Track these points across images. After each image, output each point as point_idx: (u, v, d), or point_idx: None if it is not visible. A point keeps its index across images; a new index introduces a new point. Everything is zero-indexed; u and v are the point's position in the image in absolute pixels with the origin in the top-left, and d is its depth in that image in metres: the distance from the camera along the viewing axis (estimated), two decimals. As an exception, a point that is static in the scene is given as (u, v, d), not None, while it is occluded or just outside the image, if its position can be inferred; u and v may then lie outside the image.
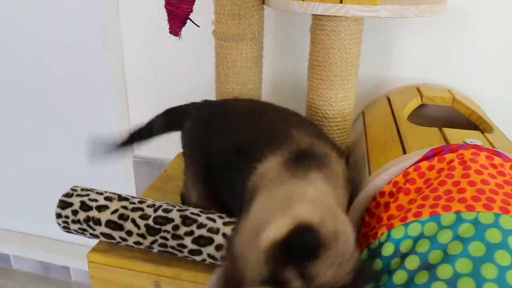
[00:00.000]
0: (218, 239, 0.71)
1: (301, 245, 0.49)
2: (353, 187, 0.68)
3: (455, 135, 0.66)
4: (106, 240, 0.78)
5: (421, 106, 0.91)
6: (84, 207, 0.77)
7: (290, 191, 0.58)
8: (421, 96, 0.87)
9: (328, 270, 0.49)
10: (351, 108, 0.82)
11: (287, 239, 0.50)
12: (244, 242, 0.57)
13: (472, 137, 0.64)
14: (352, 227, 0.55)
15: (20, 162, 1.59)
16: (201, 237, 0.72)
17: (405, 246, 0.54)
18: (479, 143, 0.62)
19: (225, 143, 0.72)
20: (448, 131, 0.68)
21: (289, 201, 0.56)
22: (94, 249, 0.79)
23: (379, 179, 0.64)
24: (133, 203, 0.77)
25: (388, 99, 0.90)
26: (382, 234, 0.56)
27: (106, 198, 0.78)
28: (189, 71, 1.17)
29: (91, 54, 1.29)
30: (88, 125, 1.43)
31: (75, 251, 1.64)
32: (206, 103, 0.85)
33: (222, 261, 0.67)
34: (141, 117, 1.20)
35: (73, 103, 1.41)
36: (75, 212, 0.77)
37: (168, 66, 1.19)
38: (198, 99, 0.87)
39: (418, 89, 0.91)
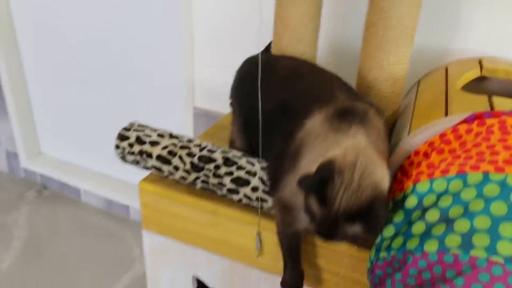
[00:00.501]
0: (255, 181, 0.75)
1: (318, 173, 0.55)
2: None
3: (504, 104, 0.64)
4: (156, 172, 0.85)
5: (482, 79, 0.88)
6: (139, 141, 0.85)
7: (331, 145, 0.62)
8: (481, 67, 0.84)
9: (344, 193, 0.53)
10: (403, 73, 0.82)
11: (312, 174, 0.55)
12: (294, 192, 0.63)
13: (523, 107, 0.62)
14: (384, 167, 0.58)
15: (97, 111, 1.74)
16: (239, 178, 0.77)
17: (428, 200, 0.55)
18: (526, 111, 0.60)
19: (269, 99, 0.75)
20: (497, 99, 0.66)
21: (329, 151, 0.60)
22: (145, 179, 0.87)
23: (416, 139, 0.64)
24: (182, 141, 0.83)
25: (446, 69, 0.88)
26: (408, 187, 0.58)
27: (159, 135, 0.85)
28: (250, 27, 1.20)
29: (162, 9, 1.37)
30: (156, 79, 1.52)
31: (135, 193, 1.78)
32: (251, 59, 0.89)
33: (274, 211, 0.73)
34: (205, 72, 1.26)
35: (143, 58, 1.51)
36: (131, 145, 0.85)
37: (232, 24, 1.23)
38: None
39: (480, 61, 0.87)
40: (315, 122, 0.66)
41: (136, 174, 1.57)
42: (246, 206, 0.79)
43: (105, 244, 1.73)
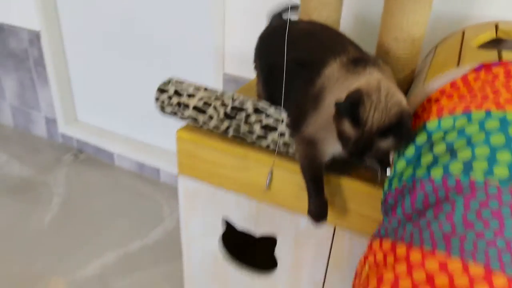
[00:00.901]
0: (281, 128, 0.84)
1: (348, 98, 0.66)
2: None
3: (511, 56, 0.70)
4: (192, 122, 0.95)
5: (499, 42, 0.93)
6: (177, 94, 0.94)
7: (352, 82, 0.71)
8: (497, 30, 0.90)
9: (375, 112, 0.62)
10: (421, 34, 0.88)
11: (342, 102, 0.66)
12: (320, 125, 0.72)
13: (528, 59, 0.69)
14: (402, 94, 0.68)
15: (130, 80, 1.85)
16: (267, 125, 0.85)
17: (437, 136, 0.63)
18: (532, 62, 0.67)
19: (288, 56, 0.84)
20: (506, 53, 0.72)
21: (351, 86, 0.69)
22: (182, 129, 0.97)
23: (429, 87, 0.72)
24: (216, 93, 0.92)
25: (463, 33, 0.94)
26: (418, 125, 0.65)
27: (195, 88, 0.94)
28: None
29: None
30: (188, 47, 1.61)
31: (166, 156, 1.90)
32: (270, 25, 0.98)
33: (297, 148, 0.82)
34: (235, 39, 1.34)
35: (177, 27, 1.60)
36: (169, 97, 0.95)
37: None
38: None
39: (496, 24, 0.93)
40: (333, 69, 0.75)
41: (167, 139, 1.72)
42: (273, 151, 0.88)
43: (137, 202, 1.86)
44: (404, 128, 0.65)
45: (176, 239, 1.67)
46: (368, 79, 0.69)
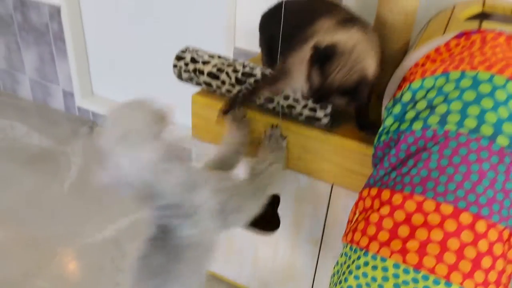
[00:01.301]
0: (286, 91, 0.93)
1: (323, 50, 0.76)
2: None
3: (490, 26, 0.79)
4: (206, 87, 1.04)
5: (487, 16, 1.01)
6: (193, 60, 1.04)
7: (337, 34, 0.80)
8: (484, 5, 0.98)
9: (339, 72, 0.73)
10: (414, 7, 0.96)
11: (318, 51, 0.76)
12: (298, 61, 0.82)
13: (506, 29, 0.77)
14: (373, 57, 0.79)
15: (143, 55, 1.94)
16: (274, 89, 0.95)
17: (419, 94, 0.72)
18: (507, 31, 0.75)
19: (286, 25, 0.94)
20: (486, 22, 0.81)
21: (334, 37, 0.79)
22: (197, 93, 1.06)
23: (416, 54, 0.80)
24: (229, 60, 1.02)
25: (454, 7, 1.02)
26: (405, 86, 0.75)
27: (209, 56, 1.04)
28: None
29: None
30: (201, 21, 1.70)
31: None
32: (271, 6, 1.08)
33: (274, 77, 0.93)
34: (245, 15, 1.42)
35: (190, 1, 1.69)
36: (186, 64, 1.04)
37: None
38: None
39: (484, 1, 1.01)
40: (324, 22, 0.86)
41: (180, 111, 1.79)
42: (278, 113, 0.98)
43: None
44: (358, 95, 0.77)
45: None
46: (349, 37, 0.78)
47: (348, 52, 0.76)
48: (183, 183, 0.72)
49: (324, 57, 0.76)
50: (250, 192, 0.84)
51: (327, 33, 0.83)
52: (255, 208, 0.85)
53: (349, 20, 0.85)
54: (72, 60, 2.11)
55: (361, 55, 0.76)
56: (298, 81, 0.84)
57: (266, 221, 1.22)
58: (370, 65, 0.78)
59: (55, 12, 2.02)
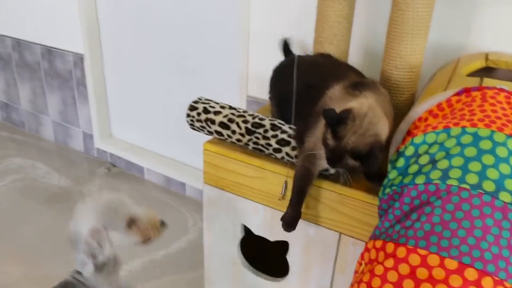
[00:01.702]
0: (294, 142, 0.96)
1: (338, 115, 0.78)
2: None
3: (491, 83, 0.81)
4: (217, 136, 1.08)
5: (491, 70, 1.04)
6: (205, 111, 1.08)
7: (348, 103, 0.83)
8: (487, 59, 1.01)
9: (352, 135, 0.74)
10: (418, 62, 1.00)
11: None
12: (318, 139, 0.85)
13: (505, 86, 0.79)
14: (386, 122, 0.79)
15: (160, 102, 2.02)
16: (282, 139, 0.98)
17: (422, 149, 0.74)
18: (507, 88, 0.77)
19: (298, 83, 0.98)
20: (487, 80, 0.83)
21: (348, 104, 0.81)
22: (209, 142, 1.10)
23: (419, 108, 0.83)
24: (239, 111, 1.06)
25: (458, 61, 1.05)
26: (408, 141, 0.77)
27: (221, 106, 1.08)
28: (297, 26, 1.42)
29: (222, 10, 1.61)
30: (216, 71, 1.77)
31: (191, 172, 2.04)
32: (282, 62, 1.13)
33: (298, 159, 0.95)
34: (257, 66, 1.48)
35: (205, 52, 1.76)
36: (198, 114, 1.09)
37: (282, 24, 1.45)
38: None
39: (487, 54, 1.04)
40: (334, 91, 0.89)
41: (192, 156, 1.88)
42: (287, 163, 1.00)
43: (163, 214, 1.98)
44: (371, 159, 0.78)
45: (199, 249, 1.79)
46: (362, 102, 0.81)
47: (362, 117, 0.78)
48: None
49: (336, 120, 0.78)
50: None
51: (338, 103, 0.86)
52: None
53: (358, 84, 0.88)
54: (92, 104, 2.20)
55: (373, 119, 0.79)
56: (323, 159, 0.85)
57: (275, 267, 1.22)
58: (383, 129, 0.80)
59: (79, 60, 2.12)
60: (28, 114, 2.58)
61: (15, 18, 2.29)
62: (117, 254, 1.02)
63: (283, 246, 1.10)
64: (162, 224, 1.01)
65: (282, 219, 0.95)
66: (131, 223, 0.96)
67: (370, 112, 0.79)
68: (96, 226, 0.93)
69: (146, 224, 0.97)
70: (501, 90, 0.76)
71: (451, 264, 0.64)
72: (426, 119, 0.81)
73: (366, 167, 0.80)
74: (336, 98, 0.88)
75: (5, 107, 2.69)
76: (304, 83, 0.97)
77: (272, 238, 1.11)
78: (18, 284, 1.59)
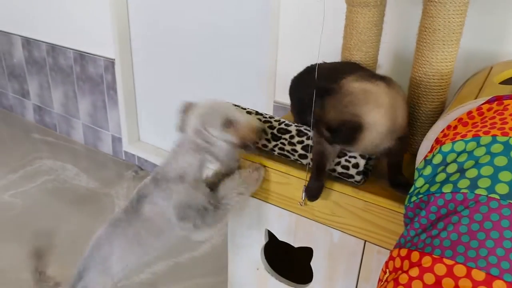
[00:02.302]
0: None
1: (325, 87, 0.84)
2: None
3: (524, 91, 0.79)
4: (243, 141, 1.09)
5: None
6: (232, 116, 1.09)
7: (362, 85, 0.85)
8: (521, 68, 0.98)
9: (331, 108, 0.82)
10: (449, 70, 0.98)
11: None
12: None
13: (540, 95, 0.77)
14: (379, 111, 0.82)
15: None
16: (308, 145, 0.98)
17: (450, 158, 0.73)
18: (541, 97, 0.75)
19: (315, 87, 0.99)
20: (520, 88, 0.81)
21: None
22: (234, 146, 1.11)
23: (449, 116, 0.82)
24: (265, 117, 1.06)
25: (491, 68, 1.03)
26: (435, 149, 0.76)
27: (247, 112, 1.09)
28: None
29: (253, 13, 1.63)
30: (244, 77, 1.78)
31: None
32: (302, 71, 1.15)
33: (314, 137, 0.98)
34: (285, 71, 1.49)
35: (233, 58, 1.78)
36: (226, 119, 1.09)
37: (310, 28, 1.46)
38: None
39: (522, 62, 1.02)
40: (348, 79, 0.87)
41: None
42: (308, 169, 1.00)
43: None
44: (339, 134, 0.81)
45: (222, 254, 1.80)
46: (361, 84, 0.83)
47: (346, 94, 0.79)
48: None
49: (325, 93, 0.81)
50: (211, 211, 1.00)
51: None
52: (207, 226, 1.02)
53: (376, 75, 0.88)
54: (122, 108, 2.25)
55: (360, 101, 0.78)
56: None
57: (299, 273, 1.22)
58: (369, 114, 0.79)
59: (110, 64, 2.18)
60: (60, 117, 2.66)
61: (50, 24, 2.37)
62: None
63: (307, 252, 1.10)
64: (262, 131, 1.03)
65: (305, 190, 0.97)
66: (229, 124, 0.98)
67: (360, 93, 0.79)
68: (196, 126, 1.00)
69: (244, 127, 0.98)
70: (535, 98, 0.74)
71: (479, 275, 0.63)
72: (455, 127, 0.79)
73: (334, 140, 0.83)
74: (349, 82, 0.87)
75: (38, 110, 2.78)
76: (321, 85, 0.97)
77: (296, 244, 1.11)
78: (47, 282, 1.64)
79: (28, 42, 2.55)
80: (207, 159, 1.03)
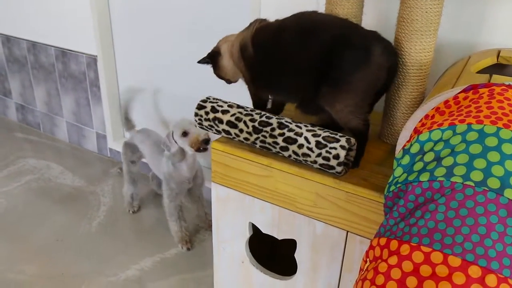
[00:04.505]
0: (301, 140, 0.96)
1: None
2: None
3: (500, 79, 0.80)
4: (225, 135, 1.09)
5: (503, 67, 1.02)
6: (213, 110, 1.09)
7: None
8: (498, 56, 0.99)
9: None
10: (428, 60, 0.99)
11: None
12: None
13: (514, 82, 0.78)
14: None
15: (171, 103, 2.03)
16: (289, 137, 0.98)
17: (427, 146, 0.73)
18: (515, 85, 0.76)
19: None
20: (496, 77, 0.82)
21: None
22: (216, 141, 1.11)
23: (427, 105, 0.82)
24: (246, 110, 1.06)
25: (469, 58, 1.04)
26: (413, 138, 0.76)
27: (229, 105, 1.09)
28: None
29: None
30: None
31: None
32: None
33: None
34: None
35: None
36: (207, 113, 1.09)
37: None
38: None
39: (499, 51, 1.02)
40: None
41: (202, 156, 1.85)
42: (293, 161, 1.00)
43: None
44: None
45: (208, 249, 1.80)
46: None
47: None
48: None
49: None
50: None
51: None
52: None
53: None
54: (106, 105, 2.23)
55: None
56: None
57: (283, 265, 1.22)
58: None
59: (92, 61, 2.16)
60: (43, 115, 2.63)
61: (30, 21, 2.34)
62: (183, 148, 1.64)
63: (291, 244, 1.10)
64: (205, 140, 1.57)
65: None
66: (185, 133, 1.60)
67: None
68: (168, 132, 1.65)
69: (193, 137, 1.58)
70: (510, 86, 0.75)
71: (455, 261, 0.64)
72: (432, 117, 0.80)
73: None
74: None
75: (20, 108, 2.74)
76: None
77: (280, 236, 1.11)
78: (33, 283, 1.62)
79: (8, 40, 2.51)
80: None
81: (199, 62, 1.19)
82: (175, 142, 1.62)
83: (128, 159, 1.93)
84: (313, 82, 0.97)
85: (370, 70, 0.94)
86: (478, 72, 0.95)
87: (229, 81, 1.19)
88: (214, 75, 1.20)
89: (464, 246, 0.64)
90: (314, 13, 1.03)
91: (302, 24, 0.99)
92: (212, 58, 1.17)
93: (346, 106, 0.97)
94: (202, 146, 1.57)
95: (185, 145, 1.60)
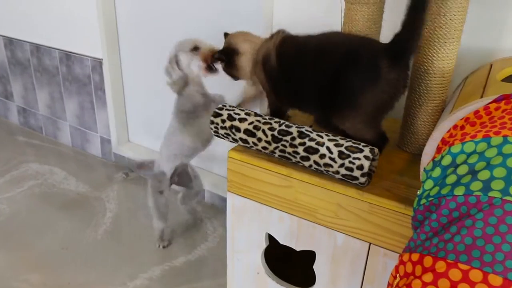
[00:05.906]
0: (323, 150, 0.94)
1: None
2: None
3: (531, 90, 0.78)
4: (242, 144, 1.06)
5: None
6: (230, 118, 1.06)
7: None
8: (521, 64, 0.97)
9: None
10: (450, 67, 0.97)
11: None
12: None
13: (546, 92, 0.76)
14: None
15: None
16: (310, 147, 0.96)
17: (460, 159, 0.71)
18: (548, 95, 0.74)
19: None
20: (526, 86, 0.80)
21: None
22: (233, 149, 1.08)
23: (455, 115, 0.80)
24: (265, 118, 1.04)
25: (491, 66, 1.02)
26: (444, 150, 0.74)
27: (246, 113, 1.06)
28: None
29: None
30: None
31: (209, 177, 2.02)
32: None
33: None
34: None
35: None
36: (223, 121, 1.07)
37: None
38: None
39: (522, 59, 1.01)
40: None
41: (210, 163, 1.84)
42: (314, 171, 0.98)
43: (181, 220, 1.98)
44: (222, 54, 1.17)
45: (218, 256, 1.77)
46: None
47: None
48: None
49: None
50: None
51: None
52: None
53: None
54: (110, 109, 2.20)
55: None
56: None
57: (301, 277, 1.20)
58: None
59: (97, 64, 2.13)
60: (46, 119, 2.60)
61: (34, 23, 2.31)
62: (187, 73, 1.51)
63: (309, 256, 1.08)
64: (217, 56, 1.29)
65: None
66: (196, 48, 1.46)
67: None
68: (172, 53, 1.51)
69: (206, 50, 1.44)
70: (544, 97, 0.73)
71: (496, 280, 0.61)
72: (462, 127, 0.78)
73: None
74: None
75: (22, 111, 2.71)
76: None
77: (298, 247, 1.09)
78: (38, 291, 1.59)
79: (10, 42, 2.47)
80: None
81: (214, 57, 1.23)
82: (178, 68, 1.50)
83: (155, 190, 1.71)
84: (326, 102, 0.97)
85: (379, 88, 0.91)
86: (503, 80, 0.93)
87: (237, 78, 1.17)
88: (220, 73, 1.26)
89: (505, 264, 0.62)
90: (335, 33, 1.04)
91: (319, 45, 0.99)
92: (228, 56, 1.14)
93: (356, 123, 0.96)
94: (214, 61, 1.42)
95: (194, 62, 1.47)
